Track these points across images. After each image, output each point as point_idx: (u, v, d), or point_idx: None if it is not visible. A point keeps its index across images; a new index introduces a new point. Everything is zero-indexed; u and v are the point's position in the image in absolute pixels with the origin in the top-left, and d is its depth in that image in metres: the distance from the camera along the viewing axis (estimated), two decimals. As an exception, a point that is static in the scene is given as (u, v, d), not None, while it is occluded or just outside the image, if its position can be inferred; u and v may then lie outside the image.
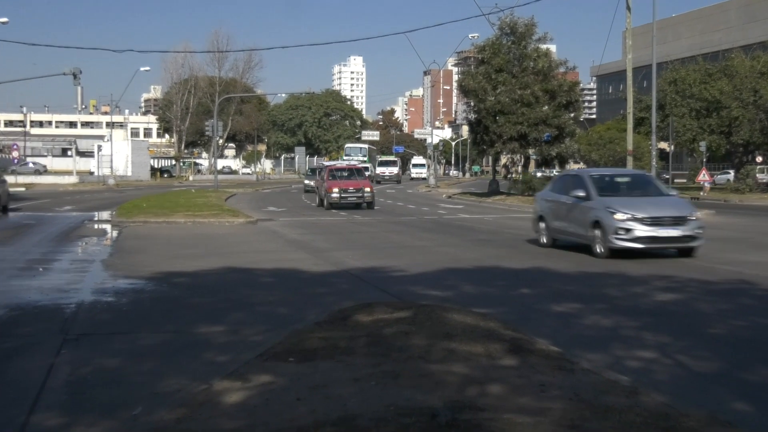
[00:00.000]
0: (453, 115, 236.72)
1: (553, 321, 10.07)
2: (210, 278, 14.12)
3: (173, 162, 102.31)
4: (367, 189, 36.20)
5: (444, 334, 8.16)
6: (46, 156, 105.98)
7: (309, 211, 35.93)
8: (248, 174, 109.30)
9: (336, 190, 36.02)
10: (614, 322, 9.93)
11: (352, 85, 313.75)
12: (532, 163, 55.87)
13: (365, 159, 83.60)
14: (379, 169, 79.90)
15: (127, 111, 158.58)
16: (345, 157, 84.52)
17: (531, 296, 12.15)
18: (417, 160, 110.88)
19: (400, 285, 13.14)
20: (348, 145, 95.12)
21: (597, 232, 16.84)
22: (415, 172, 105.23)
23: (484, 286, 13.16)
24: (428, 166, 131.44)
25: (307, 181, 56.20)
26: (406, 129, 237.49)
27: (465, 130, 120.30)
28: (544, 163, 46.59)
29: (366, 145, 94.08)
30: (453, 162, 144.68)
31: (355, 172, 38.83)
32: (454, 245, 19.90)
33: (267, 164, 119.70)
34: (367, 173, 43.60)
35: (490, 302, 11.43)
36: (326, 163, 54.69)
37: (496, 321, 9.11)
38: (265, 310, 10.85)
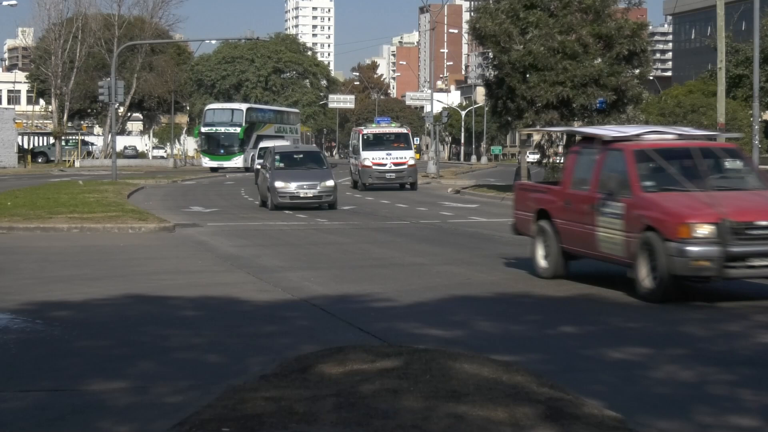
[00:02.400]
0: (463, 72, 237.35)
1: (610, 373, 10.10)
2: (105, 311, 14.06)
3: (52, 140, 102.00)
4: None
5: (449, 392, 8.15)
6: None
7: (251, 212, 35.92)
8: (162, 158, 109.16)
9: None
10: (698, 375, 9.97)
11: (314, 27, 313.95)
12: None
13: (238, 131, 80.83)
14: (367, 155, 52.96)
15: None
16: (204, 129, 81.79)
17: (576, 337, 12.16)
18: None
19: (384, 321, 13.13)
20: (211, 106, 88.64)
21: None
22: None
23: (507, 322, 13.16)
24: (424, 147, 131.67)
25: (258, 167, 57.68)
26: (394, 92, 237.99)
27: (480, 94, 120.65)
28: (597, 142, 46.70)
29: (243, 107, 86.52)
30: (463, 140, 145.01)
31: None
32: (463, 263, 19.90)
33: (190, 144, 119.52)
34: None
35: (517, 346, 11.42)
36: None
37: (526, 373, 9.12)
38: (186, 358, 10.82)
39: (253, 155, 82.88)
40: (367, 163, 49.48)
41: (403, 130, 52.88)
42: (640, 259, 14.64)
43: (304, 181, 35.89)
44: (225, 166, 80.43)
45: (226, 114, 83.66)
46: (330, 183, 36.07)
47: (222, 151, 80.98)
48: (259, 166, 46.90)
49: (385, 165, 49.55)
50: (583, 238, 16.24)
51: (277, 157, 37.59)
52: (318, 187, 35.85)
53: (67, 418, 8.47)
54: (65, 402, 9.01)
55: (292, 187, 35.65)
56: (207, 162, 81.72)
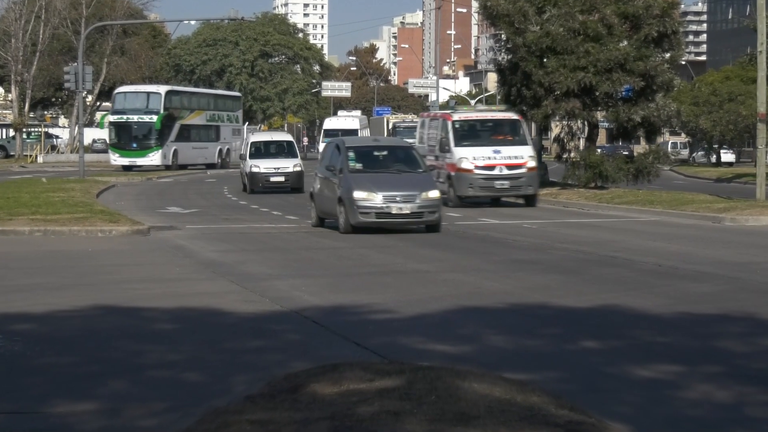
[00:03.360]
0: (472, 57, 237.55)
1: (637, 393, 10.11)
2: (72, 324, 14.08)
3: (11, 133, 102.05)
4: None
5: (457, 415, 8.17)
6: None
7: (235, 213, 35.94)
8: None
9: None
10: (736, 396, 10.00)
11: (306, 6, 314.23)
12: (603, 135, 55.97)
13: (154, 121, 71.89)
14: (465, 153, 39.93)
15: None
16: (113, 117, 73.52)
17: (599, 353, 12.19)
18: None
19: (384, 335, 13.15)
20: (122, 89, 78.54)
21: None
22: None
23: (522, 336, 13.19)
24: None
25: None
26: (395, 79, 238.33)
27: (492, 81, 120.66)
28: (622, 134, 46.78)
29: (161, 90, 77.02)
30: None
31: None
32: (472, 269, 19.93)
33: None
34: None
35: (533, 363, 11.44)
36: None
37: (543, 393, 9.12)
38: (162, 377, 10.84)
39: (225, 149, 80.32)
40: (466, 165, 37.88)
41: (513, 116, 42.94)
42: None
43: (396, 191, 28.44)
44: (138, 163, 71.42)
45: (140, 99, 74.29)
46: (434, 194, 28.61)
47: (134, 145, 71.97)
48: (247, 167, 48.35)
49: (493, 169, 38.31)
50: None
51: (351, 154, 29.92)
52: (417, 200, 28.24)
53: (29, 444, 8.48)
54: (26, 426, 9.02)
55: (378, 199, 28.06)
56: (116, 159, 72.92)
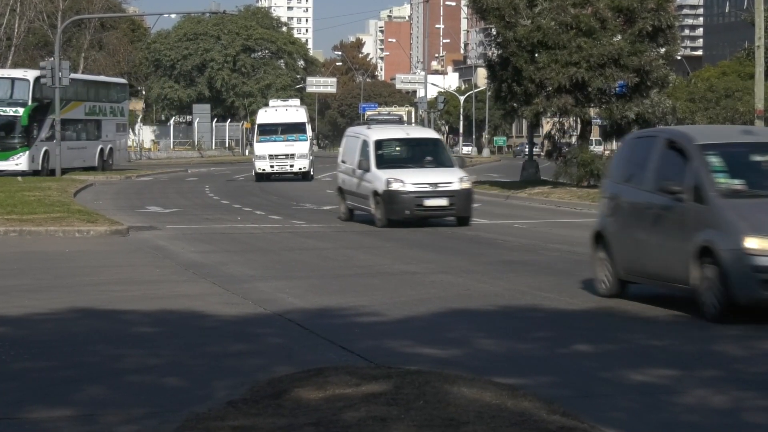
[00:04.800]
0: (462, 52, 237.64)
1: (631, 399, 10.10)
2: (48, 327, 14.03)
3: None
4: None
5: (446, 420, 8.15)
6: None
7: (217, 213, 35.86)
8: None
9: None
10: (733, 401, 9.99)
11: (290, 0, 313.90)
12: (596, 132, 55.97)
13: (20, 115, 57.43)
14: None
15: None
16: None
17: (592, 357, 12.20)
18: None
19: (371, 338, 13.13)
20: None
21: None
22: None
23: (513, 339, 13.17)
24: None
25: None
26: (382, 74, 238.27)
27: (482, 77, 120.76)
28: (616, 131, 46.80)
29: (29, 76, 60.55)
30: (462, 130, 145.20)
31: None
32: (461, 271, 19.91)
33: (146, 133, 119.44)
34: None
35: (524, 367, 11.43)
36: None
37: (534, 399, 9.12)
38: (142, 382, 10.81)
39: (108, 148, 67.07)
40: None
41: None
42: None
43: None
44: (0, 168, 57.52)
45: (2, 87, 60.50)
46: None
47: None
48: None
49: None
50: None
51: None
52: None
53: (3, 452, 8.45)
54: (1, 433, 8.99)
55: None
56: None
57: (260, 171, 57.43)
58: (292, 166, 58.07)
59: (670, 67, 47.07)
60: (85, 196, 43.62)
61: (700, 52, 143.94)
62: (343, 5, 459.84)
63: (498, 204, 40.64)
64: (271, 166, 57.41)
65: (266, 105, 69.69)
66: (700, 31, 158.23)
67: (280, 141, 58.34)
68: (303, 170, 58.30)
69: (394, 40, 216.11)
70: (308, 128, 60.92)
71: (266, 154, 57.67)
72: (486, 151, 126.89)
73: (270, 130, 58.96)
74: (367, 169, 30.73)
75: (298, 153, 57.96)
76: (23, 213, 30.65)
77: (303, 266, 21.06)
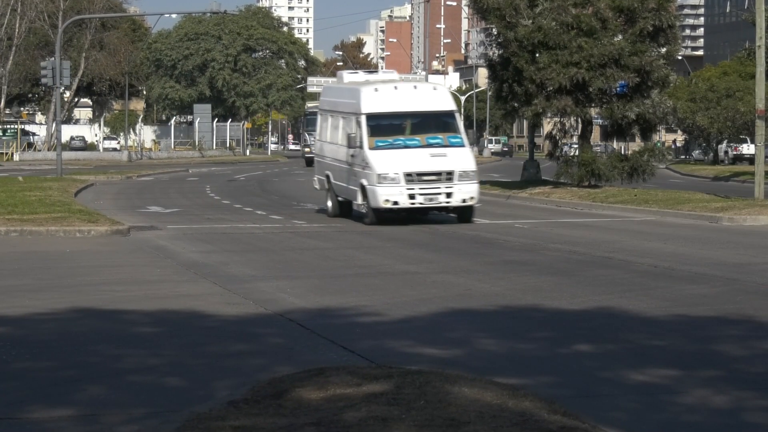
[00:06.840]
0: (462, 51, 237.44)
1: (632, 399, 10.12)
2: (49, 327, 14.02)
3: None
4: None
5: (447, 420, 8.15)
6: None
7: (218, 212, 35.83)
8: (115, 150, 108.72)
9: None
10: (734, 401, 10.00)
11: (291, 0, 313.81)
12: (596, 132, 55.95)
13: None
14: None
15: None
16: None
17: (593, 357, 12.20)
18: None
19: (371, 338, 13.14)
20: None
21: None
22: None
23: (514, 339, 13.18)
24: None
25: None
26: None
27: (483, 77, 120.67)
28: (617, 131, 46.81)
29: None
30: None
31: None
32: (462, 271, 19.91)
33: (147, 133, 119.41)
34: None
35: (525, 367, 11.44)
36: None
37: (535, 398, 9.12)
38: (142, 382, 10.81)
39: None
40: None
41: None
42: None
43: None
44: None
45: None
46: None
47: None
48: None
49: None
50: None
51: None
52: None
53: (5, 452, 8.46)
54: (2, 432, 9.00)
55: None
56: None
57: (388, 205, 29.53)
58: (449, 195, 29.89)
59: (670, 67, 46.96)
60: (85, 196, 43.58)
61: (701, 52, 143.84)
62: (344, 5, 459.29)
63: (499, 204, 40.61)
64: (411, 197, 29.52)
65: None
66: (701, 31, 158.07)
67: (418, 147, 30.54)
68: (467, 203, 30.49)
69: (394, 40, 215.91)
70: (460, 123, 32.24)
71: (400, 173, 29.40)
72: (486, 151, 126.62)
73: (391, 127, 30.99)
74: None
75: (458, 169, 30.04)
76: (24, 213, 30.62)
77: (304, 266, 21.06)
